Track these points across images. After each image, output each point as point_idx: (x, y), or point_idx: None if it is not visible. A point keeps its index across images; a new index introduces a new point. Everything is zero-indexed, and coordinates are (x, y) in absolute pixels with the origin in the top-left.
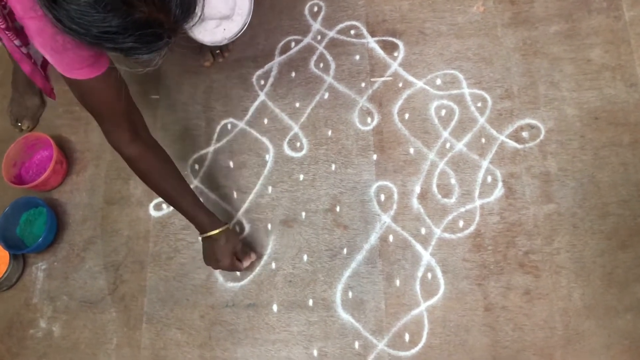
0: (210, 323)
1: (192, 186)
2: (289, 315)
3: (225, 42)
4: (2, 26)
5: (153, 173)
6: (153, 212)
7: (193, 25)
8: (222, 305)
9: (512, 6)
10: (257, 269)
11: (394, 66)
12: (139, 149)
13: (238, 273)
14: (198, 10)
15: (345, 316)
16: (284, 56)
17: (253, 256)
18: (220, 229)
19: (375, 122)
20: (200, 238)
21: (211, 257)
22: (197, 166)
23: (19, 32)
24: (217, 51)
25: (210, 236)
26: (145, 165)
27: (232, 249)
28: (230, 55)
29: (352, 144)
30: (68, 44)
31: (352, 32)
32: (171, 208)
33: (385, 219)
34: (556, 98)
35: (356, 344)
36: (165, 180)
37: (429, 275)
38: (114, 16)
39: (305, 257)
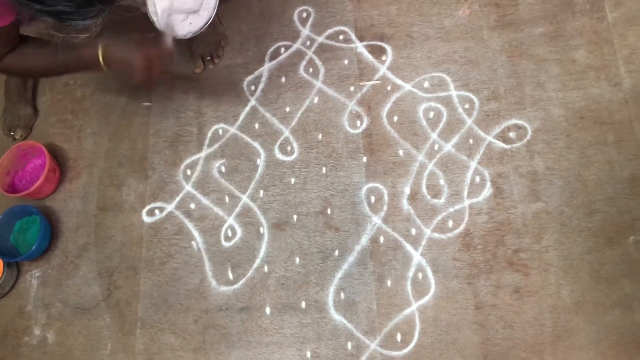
0: (204, 327)
1: (184, 191)
2: (281, 317)
3: (189, 35)
4: None
5: (28, 70)
6: (146, 218)
7: (163, 19)
8: (216, 309)
9: (497, 9)
10: (250, 273)
11: (383, 70)
12: (8, 60)
13: (230, 275)
14: None
15: (337, 317)
16: (273, 62)
17: (167, 35)
18: (98, 52)
19: (364, 125)
20: (103, 67)
21: (130, 71)
22: (189, 171)
23: None
24: (208, 57)
25: (105, 64)
26: (17, 68)
27: (133, 43)
28: (221, 62)
29: (342, 147)
30: None
31: (341, 37)
32: (164, 213)
33: (376, 220)
34: (542, 98)
35: (349, 345)
36: (41, 67)
37: (420, 275)
38: None
39: (297, 260)
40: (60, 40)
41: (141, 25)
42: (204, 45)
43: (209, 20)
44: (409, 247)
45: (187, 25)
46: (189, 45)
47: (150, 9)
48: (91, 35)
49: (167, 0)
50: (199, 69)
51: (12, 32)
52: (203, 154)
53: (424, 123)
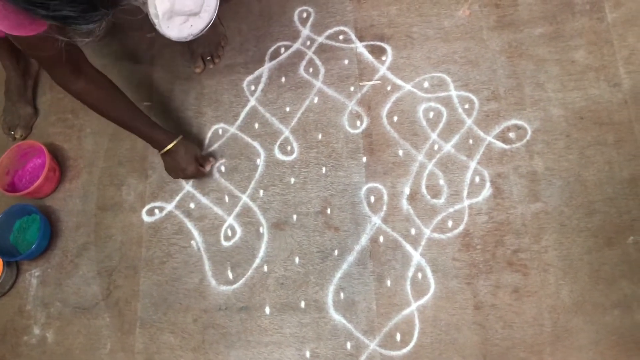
0: (204, 326)
1: (184, 191)
2: (281, 317)
3: (190, 38)
4: None
5: (102, 102)
6: (146, 218)
7: (162, 20)
8: (215, 308)
9: (497, 9)
10: (250, 272)
11: (383, 70)
12: (82, 84)
13: (230, 275)
14: None
15: (337, 317)
16: (274, 62)
17: (212, 160)
18: (176, 140)
19: (364, 125)
20: (160, 154)
21: (176, 168)
22: None
23: None
24: (208, 57)
25: (170, 149)
26: (93, 98)
27: (194, 155)
28: (221, 62)
29: (342, 147)
30: (7, 9)
31: (341, 37)
32: (164, 213)
33: (376, 220)
34: (542, 99)
35: (348, 345)
36: (115, 106)
37: (419, 275)
38: None
39: (297, 260)
40: (64, 45)
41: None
42: (204, 45)
43: (209, 22)
44: (408, 247)
45: (188, 28)
46: (189, 45)
47: (151, 11)
48: (95, 40)
49: (168, 2)
50: (199, 68)
51: (50, 44)
52: (203, 153)
53: (424, 123)
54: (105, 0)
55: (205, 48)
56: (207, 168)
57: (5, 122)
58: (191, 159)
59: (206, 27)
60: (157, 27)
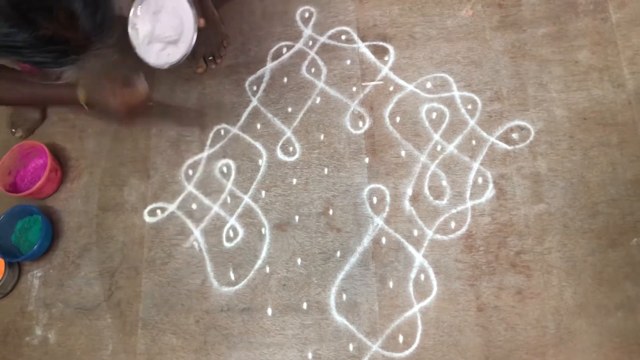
0: (206, 328)
1: (186, 191)
2: (283, 318)
3: (166, 66)
4: None
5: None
6: (147, 218)
7: (143, 44)
8: (217, 309)
9: (500, 10)
10: (252, 273)
11: (385, 70)
12: None
13: (232, 276)
14: (116, 27)
15: (339, 319)
16: (276, 62)
17: (141, 76)
18: (80, 91)
19: (366, 126)
20: (86, 107)
21: (106, 112)
22: (190, 172)
23: None
24: (210, 58)
25: (85, 102)
26: None
27: (112, 86)
28: (223, 62)
29: (344, 148)
30: None
31: (343, 37)
32: (166, 214)
33: (378, 221)
34: (545, 99)
35: (350, 346)
36: (15, 92)
37: (422, 276)
38: (18, 32)
39: (299, 261)
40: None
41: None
42: (206, 45)
43: (186, 53)
44: (411, 249)
45: (165, 56)
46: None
47: (131, 32)
48: (65, 76)
49: (149, 25)
50: (201, 68)
51: None
52: (205, 154)
53: (427, 124)
54: (76, 47)
55: (208, 48)
56: (141, 84)
57: (11, 119)
58: (111, 91)
59: (182, 57)
60: (137, 50)
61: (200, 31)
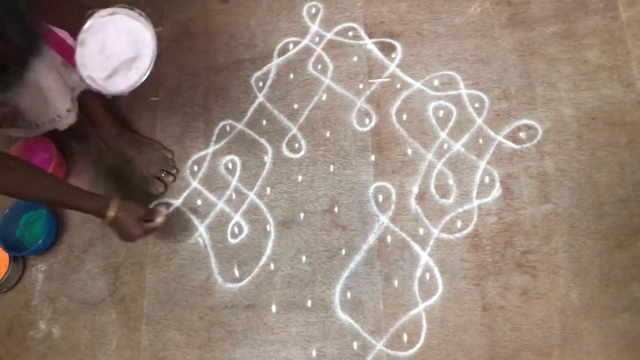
0: (210, 324)
1: (191, 187)
2: (287, 316)
3: (142, 80)
4: None
5: (16, 188)
6: None
7: (106, 84)
8: (221, 306)
9: (509, 7)
10: (256, 270)
11: (392, 67)
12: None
13: (236, 272)
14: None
15: (343, 317)
16: (282, 58)
17: (162, 210)
18: (114, 206)
19: (373, 123)
20: (104, 224)
21: (123, 235)
22: (196, 167)
23: None
24: (163, 174)
25: (111, 221)
26: (3, 185)
27: (136, 217)
28: (229, 57)
29: (350, 145)
30: None
31: (350, 33)
32: (171, 209)
33: (384, 219)
34: (553, 98)
35: (355, 345)
36: (32, 189)
37: (427, 275)
38: None
39: (303, 258)
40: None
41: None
42: (151, 165)
43: (154, 55)
44: (416, 247)
45: (136, 72)
46: (137, 173)
47: (89, 82)
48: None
49: (101, 63)
50: (162, 188)
51: None
52: (210, 150)
53: (434, 122)
54: (13, 61)
55: (153, 167)
56: (159, 219)
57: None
58: (134, 221)
59: (152, 61)
60: (104, 91)
61: (140, 156)
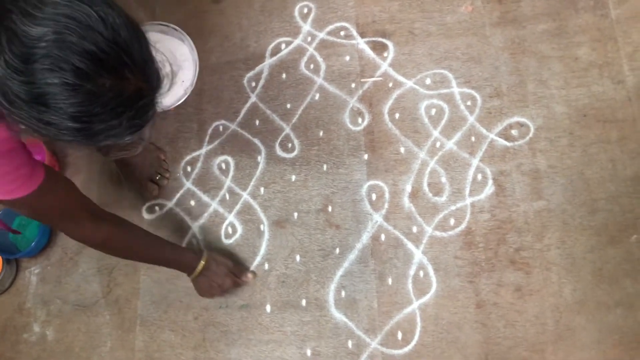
0: (204, 324)
1: (184, 188)
2: (282, 315)
3: (188, 93)
4: None
5: (129, 246)
6: (146, 215)
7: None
8: (216, 306)
9: (500, 6)
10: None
11: (384, 66)
12: (104, 232)
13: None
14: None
15: (338, 315)
16: (274, 58)
17: (250, 275)
18: (204, 258)
19: (366, 122)
20: (191, 279)
21: (212, 286)
22: (189, 168)
23: None
24: (157, 177)
25: (200, 270)
26: (120, 243)
27: (226, 268)
28: (222, 58)
29: (344, 144)
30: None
31: (342, 33)
32: (164, 210)
33: (377, 218)
34: (545, 96)
35: (349, 343)
36: (142, 245)
37: (421, 273)
38: (112, 97)
39: (298, 258)
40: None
41: None
42: (145, 168)
43: (196, 62)
44: (410, 245)
45: (180, 85)
46: (131, 179)
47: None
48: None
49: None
50: (155, 191)
51: (55, 179)
52: (203, 150)
53: (426, 120)
54: (150, 98)
55: (147, 171)
56: (246, 279)
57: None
58: (224, 272)
59: (195, 73)
60: (159, 108)
61: (134, 159)
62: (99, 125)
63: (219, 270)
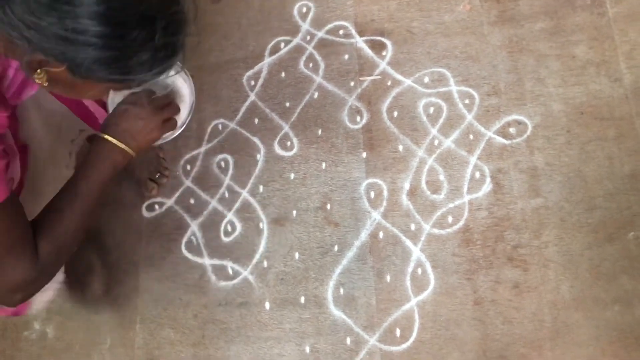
0: (204, 322)
1: (183, 186)
2: (281, 312)
3: (180, 130)
4: None
5: (65, 247)
6: (145, 213)
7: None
8: (215, 304)
9: (497, 4)
10: (250, 268)
11: (383, 65)
12: (44, 267)
13: (230, 270)
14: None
15: (336, 312)
16: (273, 57)
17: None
18: (104, 139)
19: (364, 121)
20: (133, 155)
21: (139, 126)
22: (188, 167)
23: None
24: (157, 175)
25: (123, 143)
26: (57, 258)
27: (139, 106)
28: (221, 57)
29: (342, 143)
30: None
31: (341, 32)
32: (164, 208)
33: (376, 215)
34: (542, 94)
35: (348, 340)
36: (74, 228)
37: (419, 270)
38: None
39: (296, 255)
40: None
41: None
42: (145, 167)
43: (191, 87)
44: (408, 243)
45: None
46: (130, 175)
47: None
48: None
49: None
50: (154, 190)
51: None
52: (202, 149)
53: (424, 118)
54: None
55: (149, 168)
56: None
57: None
58: (135, 119)
59: (191, 111)
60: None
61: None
62: (130, 33)
63: (128, 124)
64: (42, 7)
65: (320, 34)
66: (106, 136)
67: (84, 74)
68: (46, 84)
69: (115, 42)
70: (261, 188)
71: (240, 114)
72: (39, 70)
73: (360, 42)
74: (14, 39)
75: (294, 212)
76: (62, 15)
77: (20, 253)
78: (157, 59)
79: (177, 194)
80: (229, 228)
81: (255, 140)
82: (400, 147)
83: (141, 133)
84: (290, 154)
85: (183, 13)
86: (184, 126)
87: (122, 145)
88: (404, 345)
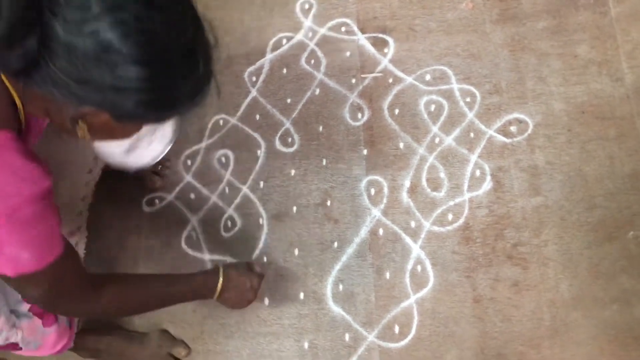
0: (203, 317)
1: (184, 182)
2: (280, 308)
3: (167, 149)
4: None
5: (136, 301)
6: (146, 208)
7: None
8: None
9: (500, 3)
10: None
11: (384, 62)
12: (108, 297)
13: None
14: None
15: (335, 309)
16: (275, 53)
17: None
18: (221, 274)
19: (365, 118)
20: (216, 300)
21: (243, 294)
22: (189, 162)
23: None
24: (159, 167)
25: (221, 289)
26: (127, 300)
27: (246, 270)
28: (222, 53)
29: (343, 139)
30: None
31: (343, 29)
32: (164, 203)
33: (376, 212)
34: (544, 93)
35: (347, 336)
36: (149, 295)
37: (419, 267)
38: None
39: (296, 251)
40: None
41: None
42: None
43: (169, 143)
44: (408, 240)
45: (160, 139)
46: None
47: (100, 150)
48: None
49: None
50: (159, 182)
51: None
52: (203, 144)
53: (425, 116)
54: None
55: None
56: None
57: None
58: (247, 274)
59: (176, 129)
60: (126, 167)
61: None
62: (175, 70)
63: (241, 276)
64: (90, 61)
65: (323, 30)
66: (218, 290)
67: (128, 117)
68: (88, 136)
69: (160, 81)
70: (262, 184)
71: (242, 109)
72: (80, 123)
73: (362, 39)
74: (56, 97)
75: (294, 208)
76: (111, 65)
77: (86, 286)
78: (200, 88)
79: (177, 189)
80: (229, 223)
81: (256, 136)
82: (401, 145)
83: (235, 303)
84: (291, 150)
85: (212, 37)
86: (171, 144)
87: (217, 290)
88: (403, 342)
